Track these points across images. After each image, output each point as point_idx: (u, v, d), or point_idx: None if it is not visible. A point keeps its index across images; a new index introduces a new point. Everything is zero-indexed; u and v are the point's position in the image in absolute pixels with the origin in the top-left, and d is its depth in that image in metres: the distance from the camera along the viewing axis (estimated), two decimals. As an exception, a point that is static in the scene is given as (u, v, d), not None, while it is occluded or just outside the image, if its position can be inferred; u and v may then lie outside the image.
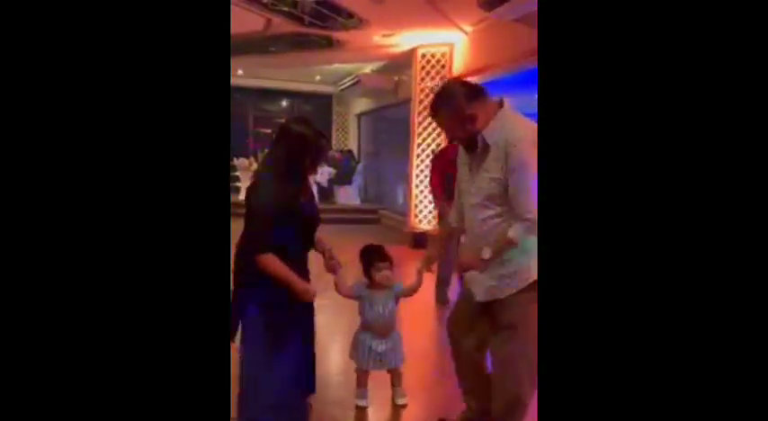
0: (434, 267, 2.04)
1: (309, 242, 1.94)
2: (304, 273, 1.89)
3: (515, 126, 1.60)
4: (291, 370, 1.83)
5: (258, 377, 1.78)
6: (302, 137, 1.76)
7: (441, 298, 3.79)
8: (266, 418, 1.80)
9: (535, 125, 1.48)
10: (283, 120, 2.08)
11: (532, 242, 1.54)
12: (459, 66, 5.91)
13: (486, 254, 1.62)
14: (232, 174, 9.24)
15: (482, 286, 1.73)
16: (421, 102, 6.19)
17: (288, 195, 1.75)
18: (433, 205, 6.14)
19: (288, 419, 1.86)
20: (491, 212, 1.65)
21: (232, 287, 1.75)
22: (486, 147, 1.63)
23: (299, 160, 1.77)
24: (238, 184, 9.01)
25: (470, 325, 1.86)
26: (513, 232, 1.58)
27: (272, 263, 1.71)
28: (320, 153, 1.81)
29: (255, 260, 1.70)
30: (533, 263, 1.57)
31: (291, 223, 1.76)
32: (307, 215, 1.87)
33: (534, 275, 1.59)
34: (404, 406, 2.20)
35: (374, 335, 2.14)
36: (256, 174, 1.90)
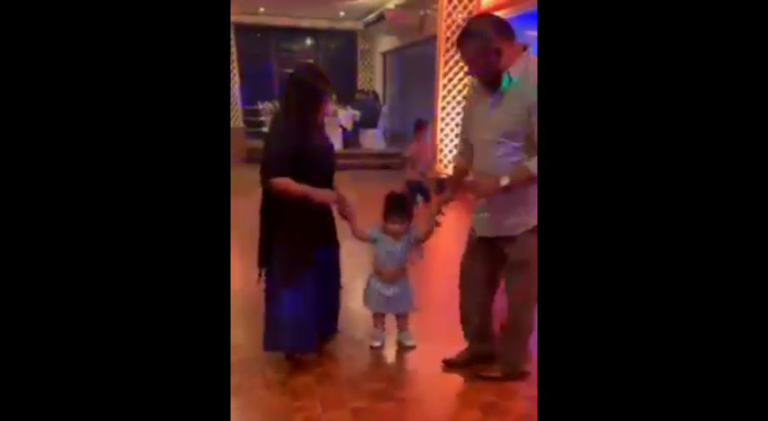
0: (446, 209, 2.10)
1: (327, 186, 2.00)
2: (325, 216, 2.03)
3: None
4: (304, 308, 1.98)
5: (274, 315, 1.99)
6: (300, 82, 1.88)
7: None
8: (277, 346, 2.05)
9: None
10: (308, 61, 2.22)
11: None
12: (487, -2, 5.53)
13: (505, 181, 1.66)
14: (257, 119, 9.23)
15: (494, 223, 1.82)
16: (448, 39, 5.89)
17: (297, 138, 1.85)
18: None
19: (297, 349, 2.07)
20: (507, 149, 1.70)
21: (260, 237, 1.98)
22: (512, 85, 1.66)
23: (300, 105, 1.87)
24: (264, 130, 9.01)
25: (480, 259, 1.96)
26: (533, 165, 1.61)
27: (287, 182, 1.84)
28: (319, 95, 1.88)
29: (271, 186, 1.84)
30: None
31: (304, 167, 1.86)
32: (320, 159, 1.96)
33: None
34: (412, 347, 2.30)
35: (383, 279, 2.21)
36: (270, 124, 2.05)
